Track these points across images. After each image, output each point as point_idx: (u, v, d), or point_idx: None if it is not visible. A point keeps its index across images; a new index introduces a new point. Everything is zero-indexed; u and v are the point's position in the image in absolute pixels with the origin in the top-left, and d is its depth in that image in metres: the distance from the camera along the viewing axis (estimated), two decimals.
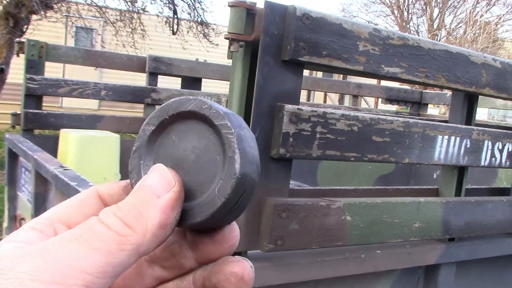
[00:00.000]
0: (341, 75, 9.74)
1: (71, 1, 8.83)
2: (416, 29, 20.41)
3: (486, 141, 1.68)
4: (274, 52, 1.22)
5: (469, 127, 1.65)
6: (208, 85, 4.55)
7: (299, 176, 3.17)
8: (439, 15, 20.03)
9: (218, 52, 9.53)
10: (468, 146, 1.63)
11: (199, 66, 3.65)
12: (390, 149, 1.42)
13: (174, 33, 9.30)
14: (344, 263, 1.44)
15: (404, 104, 4.54)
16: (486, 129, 1.70)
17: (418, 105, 4.46)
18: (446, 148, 1.56)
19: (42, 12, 7.35)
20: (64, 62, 3.38)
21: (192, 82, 3.67)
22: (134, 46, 9.07)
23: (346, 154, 1.33)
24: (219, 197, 0.37)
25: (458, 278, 1.81)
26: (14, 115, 3.10)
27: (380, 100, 4.64)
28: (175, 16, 9.26)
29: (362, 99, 10.25)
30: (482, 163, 1.69)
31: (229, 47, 1.23)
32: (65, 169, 1.98)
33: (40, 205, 2.27)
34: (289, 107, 1.22)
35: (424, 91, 4.53)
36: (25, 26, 7.37)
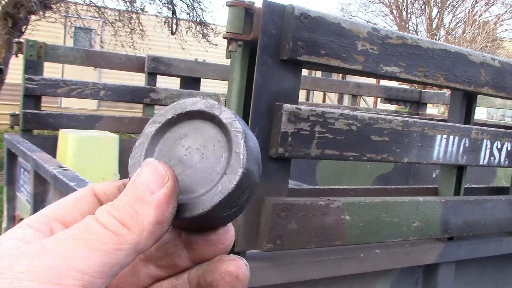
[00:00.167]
0: (340, 75, 9.75)
1: (70, 1, 8.82)
2: (415, 28, 20.42)
3: (485, 140, 1.68)
4: (272, 52, 1.22)
5: (468, 126, 1.65)
6: (207, 85, 4.55)
7: (298, 176, 3.17)
8: (438, 14, 20.04)
9: (217, 52, 9.52)
10: (467, 145, 1.63)
11: (198, 66, 3.64)
12: (389, 148, 1.42)
13: (173, 33, 9.30)
14: (343, 262, 1.44)
15: (403, 103, 4.54)
16: (485, 128, 1.70)
17: (417, 104, 4.46)
18: (445, 147, 1.56)
19: (41, 13, 7.35)
20: (63, 62, 3.38)
21: (191, 82, 3.67)
22: (133, 46, 9.07)
23: (345, 153, 1.33)
24: (222, 190, 0.38)
25: (457, 277, 1.81)
26: (13, 115, 3.10)
27: (379, 99, 4.64)
28: (174, 16, 9.26)
29: (361, 98, 10.26)
30: (481, 162, 1.69)
31: (227, 47, 1.23)
32: (64, 169, 1.98)
33: (39, 206, 2.27)
34: (287, 106, 1.22)
35: (423, 90, 4.53)
36: (24, 27, 7.37)
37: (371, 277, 1.59)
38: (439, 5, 19.97)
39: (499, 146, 1.73)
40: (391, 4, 21.00)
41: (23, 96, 3.01)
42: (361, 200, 1.43)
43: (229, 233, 0.41)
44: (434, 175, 4.00)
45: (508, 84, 1.70)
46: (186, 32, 9.85)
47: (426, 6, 20.02)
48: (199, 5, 9.68)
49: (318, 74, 10.14)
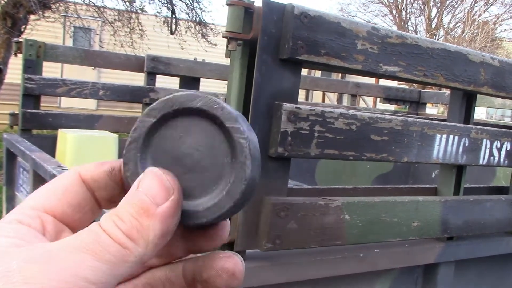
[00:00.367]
0: (340, 75, 9.75)
1: (69, 1, 8.82)
2: (415, 28, 20.42)
3: (484, 140, 1.68)
4: (272, 51, 1.22)
5: (468, 125, 1.65)
6: (207, 85, 4.55)
7: (297, 175, 3.17)
8: (437, 14, 20.05)
9: (217, 52, 9.52)
10: (466, 145, 1.63)
11: (197, 65, 3.64)
12: (388, 148, 1.42)
13: (172, 33, 9.30)
14: (343, 262, 1.44)
15: (403, 103, 4.54)
16: (485, 128, 1.70)
17: (416, 104, 4.46)
18: (445, 147, 1.56)
19: (40, 12, 7.34)
20: (62, 62, 3.38)
21: (190, 82, 3.66)
22: (132, 46, 9.07)
23: (345, 153, 1.33)
24: (228, 201, 0.37)
25: (457, 277, 1.81)
26: (12, 115, 3.09)
27: (378, 99, 4.64)
28: (173, 16, 9.26)
29: (361, 98, 10.26)
30: (481, 162, 1.69)
31: (227, 46, 1.23)
32: (63, 169, 1.97)
33: None
34: (287, 105, 1.22)
35: (422, 90, 4.53)
36: (23, 26, 7.36)
37: (370, 277, 1.59)
38: (439, 5, 19.98)
39: (498, 145, 1.73)
40: (391, 4, 21.00)
41: (22, 95, 3.01)
42: (361, 199, 1.43)
43: (226, 226, 0.41)
44: (433, 175, 4.00)
45: (507, 83, 1.70)
46: (186, 32, 9.85)
47: (426, 6, 20.03)
48: (199, 5, 9.69)
49: (318, 74, 10.14)
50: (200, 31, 9.89)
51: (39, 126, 3.11)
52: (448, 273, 1.76)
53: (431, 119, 2.29)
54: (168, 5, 9.30)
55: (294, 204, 1.28)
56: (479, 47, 15.62)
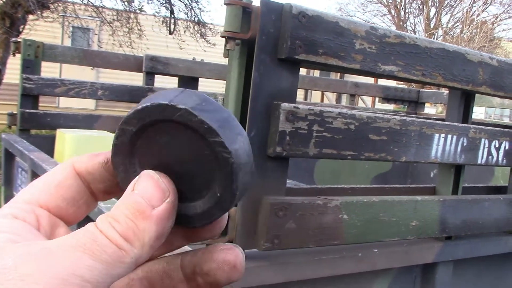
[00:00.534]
0: (338, 74, 9.75)
1: (68, 1, 8.81)
2: (413, 28, 20.44)
3: (483, 139, 1.68)
4: (270, 50, 1.22)
5: (466, 125, 1.65)
6: (205, 85, 4.55)
7: (296, 175, 3.17)
8: (436, 14, 20.07)
9: (216, 52, 9.51)
10: (465, 144, 1.63)
11: (196, 65, 3.64)
12: (387, 147, 1.42)
13: (171, 33, 9.30)
14: (341, 262, 1.44)
15: (401, 103, 4.54)
16: (483, 127, 1.70)
17: (415, 104, 4.46)
18: (443, 146, 1.56)
19: (39, 12, 7.34)
20: (61, 62, 3.37)
21: (189, 82, 3.66)
22: (131, 46, 9.07)
23: (343, 152, 1.33)
24: (218, 209, 0.37)
25: (455, 277, 1.81)
26: (11, 115, 3.09)
27: (377, 99, 4.64)
28: (172, 16, 9.26)
29: (360, 98, 10.27)
30: (479, 161, 1.69)
31: (225, 46, 1.23)
32: None
33: None
34: (285, 105, 1.22)
35: (421, 90, 4.54)
36: (22, 26, 7.36)
37: (369, 277, 1.59)
38: (437, 5, 20.00)
39: (497, 145, 1.73)
40: (389, 4, 21.02)
41: (20, 95, 3.00)
42: (359, 199, 1.43)
43: (224, 217, 0.41)
44: (432, 175, 4.01)
45: (506, 83, 1.70)
46: (184, 31, 9.85)
47: (424, 6, 20.05)
48: (197, 4, 9.68)
49: (316, 73, 10.15)
50: (199, 31, 9.89)
51: (37, 126, 3.11)
52: (447, 273, 1.76)
53: (430, 118, 2.29)
54: (167, 5, 9.30)
55: (292, 204, 1.28)
56: (477, 46, 15.64)
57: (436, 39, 17.75)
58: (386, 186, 1.72)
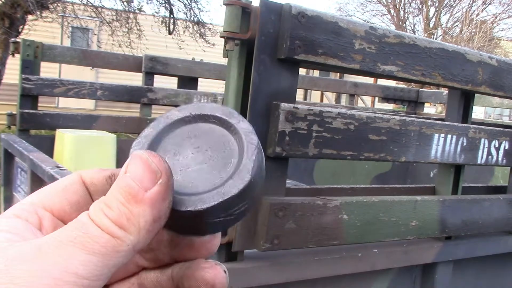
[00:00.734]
0: (338, 74, 9.75)
1: (67, 1, 8.81)
2: (413, 28, 20.44)
3: (482, 139, 1.68)
4: (269, 51, 1.22)
5: (466, 125, 1.65)
6: (205, 85, 4.55)
7: (295, 175, 3.17)
8: (435, 14, 20.07)
9: (215, 52, 9.51)
10: (464, 144, 1.63)
11: (196, 65, 3.64)
12: (386, 147, 1.42)
13: (170, 33, 9.29)
14: (341, 262, 1.44)
15: (401, 103, 4.54)
16: (483, 127, 1.70)
17: (414, 104, 4.46)
18: (443, 146, 1.56)
19: (38, 12, 7.33)
20: (60, 62, 3.37)
21: (188, 82, 3.66)
22: (130, 46, 9.06)
23: (343, 152, 1.33)
24: (226, 192, 0.37)
25: (455, 277, 1.81)
26: (10, 115, 3.09)
27: (376, 99, 4.64)
28: (171, 16, 9.25)
29: (359, 98, 10.26)
30: (479, 161, 1.69)
31: (224, 46, 1.23)
32: (61, 169, 1.97)
33: None
34: (285, 105, 1.22)
35: (420, 90, 4.54)
36: (21, 26, 7.35)
37: (369, 277, 1.58)
38: (437, 4, 20.00)
39: (496, 145, 1.73)
40: (389, 3, 21.02)
41: (20, 96, 3.00)
42: (359, 199, 1.43)
43: (214, 240, 0.40)
44: (431, 175, 4.00)
45: (505, 83, 1.70)
46: (184, 31, 9.84)
47: (424, 6, 20.05)
48: (197, 4, 9.68)
49: (316, 73, 10.14)
50: (198, 31, 9.88)
51: (37, 126, 3.11)
52: (447, 273, 1.76)
53: (429, 118, 2.29)
54: (166, 5, 9.29)
55: (292, 204, 1.28)
56: (477, 46, 15.65)
57: (436, 39, 17.77)
58: (386, 186, 1.72)
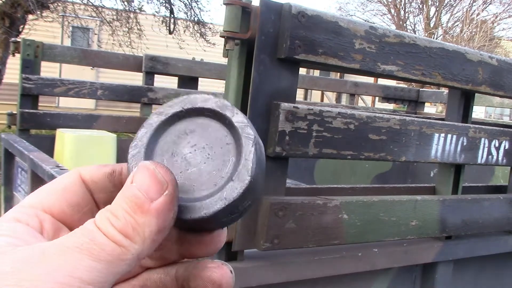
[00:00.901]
0: (338, 74, 9.74)
1: (67, 0, 8.81)
2: (413, 28, 20.44)
3: (482, 139, 1.68)
4: (269, 50, 1.22)
5: (466, 125, 1.65)
6: (205, 84, 4.55)
7: (296, 175, 3.17)
8: (436, 13, 20.06)
9: (215, 52, 9.51)
10: (464, 144, 1.63)
11: (196, 65, 3.64)
12: (386, 147, 1.42)
13: (170, 33, 9.29)
14: (341, 261, 1.44)
15: (401, 102, 4.54)
16: (483, 126, 1.70)
17: (415, 103, 4.46)
18: (443, 146, 1.56)
19: (38, 12, 7.33)
20: (60, 61, 3.37)
21: (188, 81, 3.66)
22: (130, 45, 9.06)
23: (343, 152, 1.33)
24: (227, 197, 0.37)
25: (455, 276, 1.81)
26: (10, 115, 3.09)
27: (377, 98, 4.64)
28: (172, 16, 9.25)
29: (360, 97, 10.26)
30: (479, 161, 1.69)
31: (224, 45, 1.23)
32: (61, 169, 1.97)
33: None
34: (285, 105, 1.22)
35: (421, 89, 4.53)
36: (21, 26, 7.35)
37: (369, 276, 1.58)
38: (437, 4, 19.99)
39: (496, 144, 1.73)
40: (389, 3, 21.01)
41: (20, 95, 3.00)
42: (359, 199, 1.43)
43: (222, 234, 0.41)
44: (432, 174, 4.00)
45: (505, 82, 1.70)
46: (184, 31, 9.84)
47: (424, 5, 20.04)
48: (197, 4, 9.68)
49: (316, 73, 10.14)
50: (199, 31, 9.88)
51: (37, 126, 3.11)
52: (447, 272, 1.76)
53: (429, 118, 2.29)
54: (167, 5, 9.29)
55: (292, 204, 1.28)
56: (477, 46, 15.64)
57: (436, 39, 17.75)
58: (386, 186, 1.72)
